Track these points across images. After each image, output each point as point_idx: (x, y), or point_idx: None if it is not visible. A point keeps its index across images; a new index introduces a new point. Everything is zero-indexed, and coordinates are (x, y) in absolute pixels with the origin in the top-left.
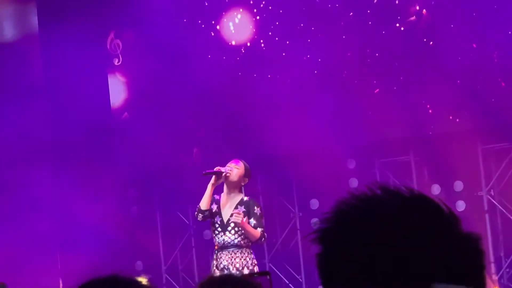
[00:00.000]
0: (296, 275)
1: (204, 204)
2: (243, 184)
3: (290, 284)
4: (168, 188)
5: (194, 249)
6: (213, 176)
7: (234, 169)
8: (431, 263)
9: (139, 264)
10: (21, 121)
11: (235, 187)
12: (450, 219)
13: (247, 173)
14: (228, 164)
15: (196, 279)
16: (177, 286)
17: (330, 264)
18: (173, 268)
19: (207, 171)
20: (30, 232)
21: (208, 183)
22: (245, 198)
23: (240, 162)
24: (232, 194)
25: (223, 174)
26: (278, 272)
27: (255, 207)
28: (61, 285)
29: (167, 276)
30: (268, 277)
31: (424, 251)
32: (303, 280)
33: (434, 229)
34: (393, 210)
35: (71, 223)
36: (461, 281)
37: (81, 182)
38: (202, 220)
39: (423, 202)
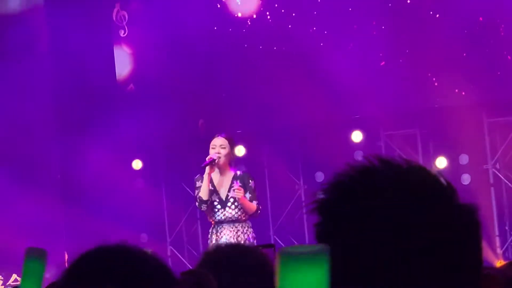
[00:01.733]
0: None
1: (204, 194)
2: (232, 158)
3: None
4: (173, 160)
5: (199, 221)
6: (207, 167)
7: (221, 151)
8: (427, 233)
9: (144, 236)
10: (26, 92)
11: (226, 165)
12: (447, 191)
13: (232, 145)
14: (211, 145)
15: (201, 251)
16: (182, 258)
17: (328, 235)
18: (178, 240)
19: (204, 164)
20: (35, 204)
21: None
22: (239, 173)
23: (223, 138)
24: (224, 171)
25: (216, 161)
26: (283, 245)
27: (250, 181)
28: (66, 257)
29: (172, 248)
30: (273, 249)
31: (420, 222)
32: None
33: (431, 200)
34: (390, 182)
35: (75, 195)
36: (458, 252)
37: (85, 154)
38: (205, 210)
39: (420, 174)
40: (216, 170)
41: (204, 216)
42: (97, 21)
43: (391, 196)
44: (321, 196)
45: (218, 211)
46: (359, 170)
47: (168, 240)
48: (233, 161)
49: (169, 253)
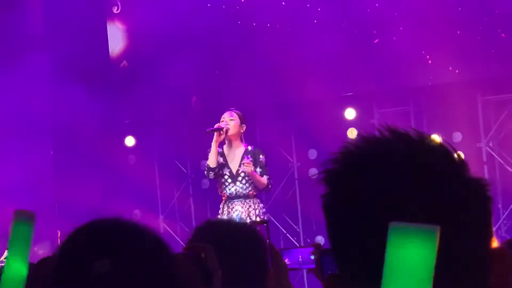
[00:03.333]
0: (293, 224)
1: (212, 161)
2: (242, 131)
3: (287, 234)
4: (166, 137)
5: (191, 198)
6: (215, 133)
7: (230, 122)
8: (439, 205)
9: (136, 212)
10: (19, 65)
11: (236, 138)
12: (459, 163)
13: (242, 121)
14: (222, 118)
15: (194, 228)
16: (174, 235)
17: (335, 206)
18: (171, 217)
19: (209, 129)
20: (28, 181)
21: (213, 137)
22: (250, 148)
23: (233, 112)
24: (235, 145)
25: (224, 129)
26: (276, 222)
27: (260, 156)
28: (59, 234)
29: (165, 225)
30: (266, 225)
31: (432, 194)
32: (300, 230)
33: (443, 172)
34: (402, 153)
35: (68, 172)
36: (468, 225)
37: (78, 130)
38: (214, 177)
39: (432, 145)
40: (227, 143)
41: (197, 193)
42: None
43: (402, 167)
44: (329, 165)
45: (229, 184)
46: (369, 141)
47: (161, 216)
48: (243, 136)
49: (161, 230)
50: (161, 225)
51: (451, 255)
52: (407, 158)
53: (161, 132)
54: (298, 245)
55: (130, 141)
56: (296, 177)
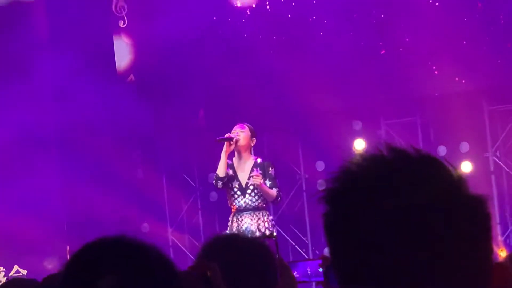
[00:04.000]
0: (302, 236)
1: (221, 171)
2: (252, 144)
3: (296, 246)
4: (174, 150)
5: (200, 211)
6: (225, 143)
7: (241, 133)
8: (439, 223)
9: (145, 226)
10: (24, 82)
11: (245, 149)
12: (457, 181)
13: (253, 134)
14: (233, 130)
15: (203, 241)
16: (183, 248)
17: (337, 224)
18: (180, 230)
19: (219, 137)
20: (37, 196)
21: (221, 150)
22: (259, 160)
23: (244, 125)
24: (244, 157)
25: (234, 140)
26: (284, 234)
27: (270, 168)
28: (68, 249)
29: (174, 239)
30: (274, 239)
31: (431, 212)
32: (309, 242)
33: (442, 191)
34: (401, 172)
35: (77, 186)
36: (467, 242)
37: (86, 145)
38: (222, 187)
39: (431, 163)
40: (237, 155)
41: (205, 206)
42: (97, 11)
43: (401, 186)
44: (329, 185)
45: (238, 197)
46: (369, 160)
47: (170, 230)
48: (253, 149)
49: (170, 243)
50: (170, 238)
51: (452, 270)
52: (406, 176)
53: (168, 146)
54: (306, 257)
55: (137, 154)
56: (304, 189)
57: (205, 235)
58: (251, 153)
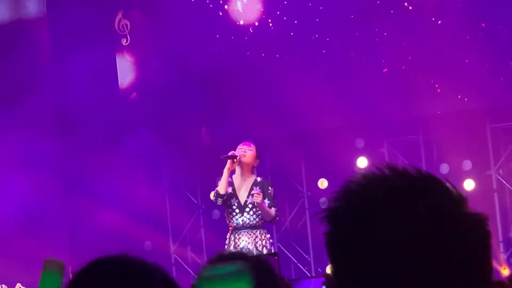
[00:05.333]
0: (304, 254)
1: (222, 188)
2: (255, 165)
3: (298, 264)
4: (176, 168)
5: (202, 229)
6: (229, 161)
7: (248, 151)
8: (439, 241)
9: (148, 244)
10: (29, 100)
11: (248, 169)
12: (457, 200)
13: (258, 155)
14: (239, 147)
15: (205, 259)
16: (186, 266)
17: (338, 243)
18: (182, 248)
19: (223, 156)
20: (39, 214)
21: (223, 167)
22: (259, 179)
23: (251, 144)
24: (245, 176)
25: (238, 157)
26: (287, 252)
27: (269, 188)
28: (70, 269)
29: (176, 256)
30: (276, 258)
31: (431, 232)
32: (311, 260)
33: (442, 209)
34: (401, 191)
35: (80, 204)
36: (468, 260)
37: (89, 163)
38: (221, 204)
39: (430, 182)
40: (238, 173)
41: (208, 224)
42: (100, 30)
43: (401, 205)
44: (330, 204)
45: (237, 215)
46: (369, 179)
47: (172, 247)
48: (255, 169)
49: (173, 261)
50: (172, 256)
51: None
52: (406, 196)
53: (171, 164)
54: (309, 275)
55: (140, 173)
56: (306, 206)
57: (207, 252)
58: (252, 173)
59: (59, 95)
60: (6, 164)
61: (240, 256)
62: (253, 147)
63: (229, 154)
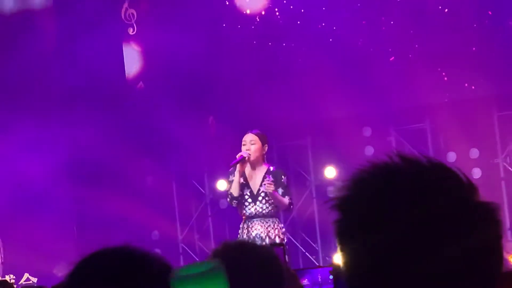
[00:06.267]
0: (312, 243)
1: (235, 191)
2: (264, 152)
3: (306, 252)
4: (183, 157)
5: (210, 218)
6: (238, 164)
7: (251, 147)
8: (448, 231)
9: (155, 234)
10: (35, 89)
11: (258, 159)
12: (468, 189)
13: (264, 141)
14: (243, 142)
15: (213, 248)
16: (193, 256)
17: (348, 232)
18: (190, 238)
19: (232, 162)
20: (47, 204)
21: (232, 157)
22: (271, 168)
23: (254, 135)
24: (257, 165)
25: (246, 158)
26: (294, 241)
27: (282, 176)
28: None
29: (184, 246)
30: (282, 248)
31: (442, 221)
32: (319, 248)
33: (453, 198)
34: (412, 180)
35: (88, 194)
36: (478, 249)
37: (96, 153)
38: (236, 205)
39: (441, 171)
40: (249, 165)
41: (215, 213)
42: (106, 19)
43: (412, 194)
44: (341, 192)
45: (249, 204)
46: (380, 167)
47: (180, 237)
48: (265, 156)
49: (180, 251)
50: (180, 246)
51: (462, 277)
52: (417, 184)
53: (178, 153)
54: (317, 264)
55: (147, 162)
56: (314, 195)
57: (215, 242)
58: (263, 161)
59: (66, 85)
60: (15, 151)
61: (244, 247)
62: (256, 138)
63: (237, 157)
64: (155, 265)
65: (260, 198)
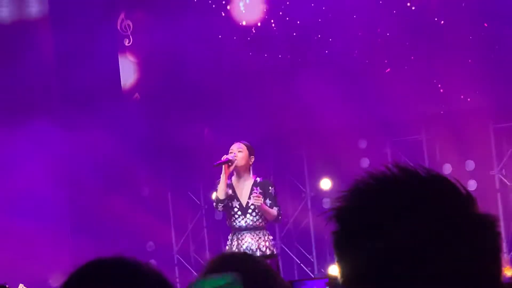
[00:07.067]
0: (307, 255)
1: (221, 194)
2: (250, 163)
3: (301, 264)
4: (179, 168)
5: (205, 230)
6: (223, 166)
7: (238, 154)
8: (446, 243)
9: (150, 244)
10: (33, 102)
11: (244, 169)
12: (467, 200)
13: (251, 152)
14: (230, 150)
15: (208, 259)
16: (188, 267)
17: (346, 243)
18: (185, 249)
19: (216, 162)
20: (41, 214)
21: (219, 172)
22: (259, 179)
23: (241, 144)
24: (244, 177)
25: (232, 161)
26: (290, 252)
27: (270, 187)
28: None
29: (179, 257)
30: (275, 259)
31: (440, 232)
32: (314, 260)
33: (451, 210)
34: (410, 191)
35: (82, 205)
36: (477, 261)
37: (92, 163)
38: (222, 209)
39: (440, 182)
40: (236, 175)
41: (211, 224)
42: (102, 30)
43: (411, 205)
44: (339, 203)
45: (239, 217)
46: (378, 178)
47: (175, 248)
48: (252, 168)
49: (175, 262)
50: (175, 257)
51: None
52: (415, 195)
53: (173, 164)
54: (312, 276)
55: (142, 173)
56: (309, 207)
57: (210, 253)
58: (250, 172)
59: (62, 94)
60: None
61: (240, 259)
62: (243, 147)
63: (222, 159)
64: (150, 276)
65: (250, 211)
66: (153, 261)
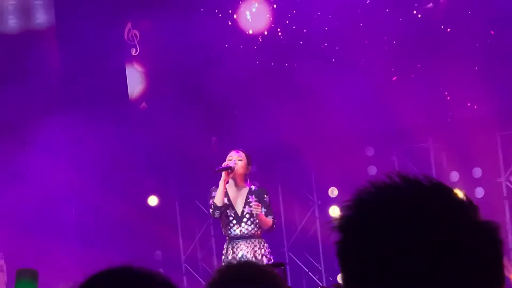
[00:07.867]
0: (315, 263)
1: (219, 200)
2: (247, 172)
3: (309, 273)
4: (186, 177)
5: (213, 239)
6: (223, 172)
7: (238, 162)
8: (449, 251)
9: (158, 254)
10: (36, 110)
11: (241, 178)
12: (468, 209)
13: (249, 161)
14: (229, 157)
15: (216, 268)
16: (196, 276)
17: (350, 252)
18: (193, 258)
19: (217, 168)
20: (50, 224)
21: (219, 179)
22: (253, 187)
23: (240, 152)
24: (239, 185)
25: (233, 168)
26: (298, 261)
27: (265, 195)
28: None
29: (187, 266)
30: (282, 268)
31: (442, 240)
32: (322, 268)
33: (453, 219)
34: (412, 200)
35: (90, 214)
36: (479, 269)
37: (100, 173)
38: (219, 216)
39: (441, 191)
40: (232, 183)
41: (218, 233)
42: (109, 40)
43: (413, 214)
44: (342, 213)
45: (234, 226)
46: (381, 188)
47: (183, 257)
48: (248, 177)
49: (183, 271)
50: (183, 266)
51: None
52: (417, 205)
53: (181, 173)
54: (320, 284)
55: (150, 182)
56: (317, 215)
57: (218, 262)
58: (246, 181)
59: (68, 106)
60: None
61: (247, 267)
62: (242, 155)
63: (223, 165)
64: (159, 285)
65: (245, 219)
66: (161, 270)
